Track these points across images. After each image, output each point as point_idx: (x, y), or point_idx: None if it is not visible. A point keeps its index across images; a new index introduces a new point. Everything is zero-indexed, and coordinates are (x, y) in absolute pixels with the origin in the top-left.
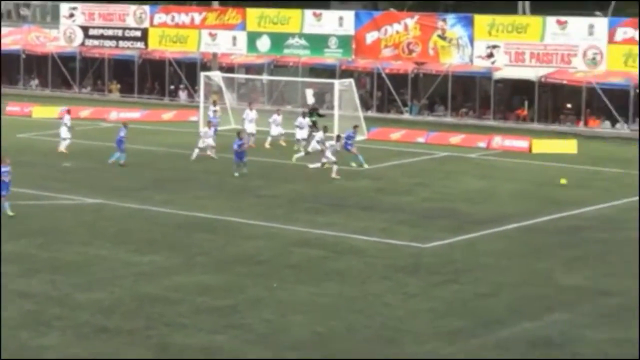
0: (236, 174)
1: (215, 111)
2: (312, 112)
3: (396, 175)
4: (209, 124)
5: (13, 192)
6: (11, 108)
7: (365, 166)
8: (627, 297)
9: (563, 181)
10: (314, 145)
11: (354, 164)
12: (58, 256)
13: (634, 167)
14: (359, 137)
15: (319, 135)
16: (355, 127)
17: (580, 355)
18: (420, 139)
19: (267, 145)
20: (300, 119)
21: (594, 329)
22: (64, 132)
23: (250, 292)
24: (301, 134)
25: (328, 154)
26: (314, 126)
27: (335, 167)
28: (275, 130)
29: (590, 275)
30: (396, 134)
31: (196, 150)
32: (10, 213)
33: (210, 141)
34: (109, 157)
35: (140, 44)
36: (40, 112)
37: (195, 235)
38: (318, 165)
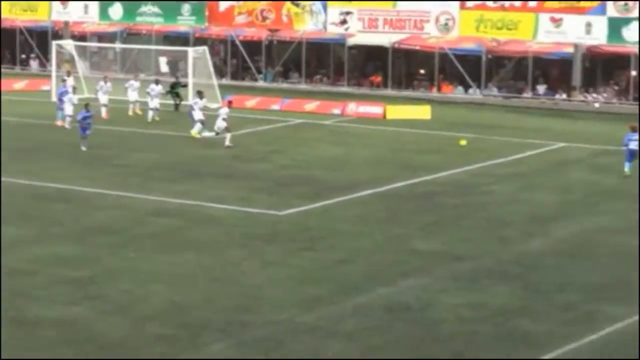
0: (83, 148)
1: (64, 80)
2: (175, 85)
3: (252, 143)
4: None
5: None
6: None
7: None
8: (481, 261)
9: (462, 142)
10: (219, 124)
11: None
12: None
13: (486, 132)
14: (213, 105)
15: (201, 103)
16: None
17: (437, 320)
18: (275, 106)
19: (130, 112)
20: (152, 86)
21: (450, 293)
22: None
23: (107, 263)
24: (153, 103)
25: (219, 122)
26: (177, 96)
27: (228, 135)
28: (132, 96)
29: (445, 241)
30: (251, 102)
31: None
32: None
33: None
34: None
35: None
36: None
37: (50, 206)
38: (212, 134)
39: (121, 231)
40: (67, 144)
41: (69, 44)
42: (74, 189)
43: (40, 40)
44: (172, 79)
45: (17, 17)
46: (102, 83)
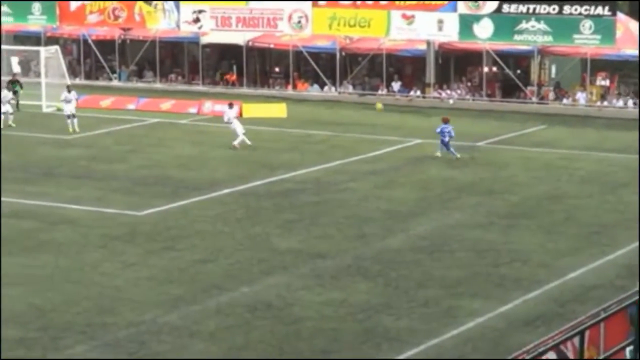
0: None
1: None
2: (14, 82)
3: (108, 143)
4: None
5: None
6: None
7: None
8: (341, 258)
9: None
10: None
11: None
12: None
13: (343, 129)
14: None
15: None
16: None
17: (300, 317)
18: (131, 106)
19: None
20: (65, 93)
21: (311, 291)
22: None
23: None
24: (69, 108)
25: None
26: (15, 95)
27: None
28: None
29: (304, 238)
30: (106, 101)
31: None
32: None
33: None
34: None
35: None
36: None
37: None
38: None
39: None
40: None
41: None
42: None
43: None
44: (24, 80)
45: None
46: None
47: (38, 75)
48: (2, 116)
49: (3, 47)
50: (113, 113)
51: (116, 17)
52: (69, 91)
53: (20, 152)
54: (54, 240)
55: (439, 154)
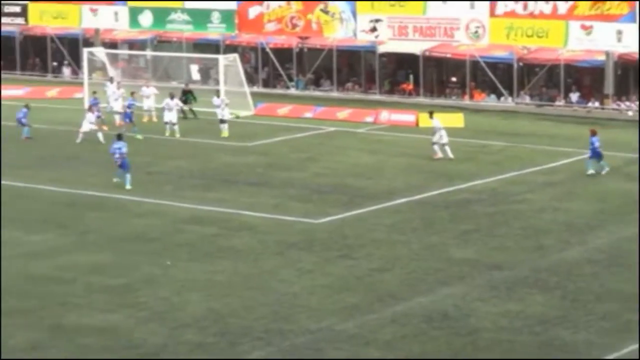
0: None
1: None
2: (188, 93)
3: (285, 151)
4: (90, 108)
5: None
6: None
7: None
8: (518, 270)
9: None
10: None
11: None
12: None
13: (519, 140)
14: (245, 113)
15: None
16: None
17: (476, 328)
18: (308, 114)
19: (144, 119)
20: (167, 100)
21: (487, 302)
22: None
23: (143, 270)
24: (169, 116)
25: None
26: (185, 104)
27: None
28: (147, 104)
29: (480, 249)
30: (283, 110)
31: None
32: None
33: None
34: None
35: (20, 20)
36: None
37: (85, 213)
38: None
39: (157, 239)
40: (100, 151)
41: (100, 51)
42: (109, 197)
43: (71, 47)
44: (203, 87)
45: (48, 24)
46: (144, 88)
47: (217, 83)
48: (167, 126)
49: (184, 54)
50: (290, 121)
51: (294, 26)
52: (171, 98)
53: (199, 159)
54: (232, 247)
55: (591, 171)
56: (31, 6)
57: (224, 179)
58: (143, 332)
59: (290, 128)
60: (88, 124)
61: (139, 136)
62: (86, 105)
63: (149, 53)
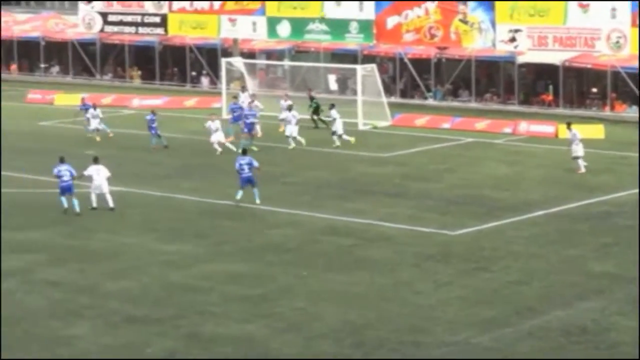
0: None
1: (235, 97)
2: (313, 99)
3: (422, 162)
4: (232, 112)
5: (36, 180)
6: (32, 95)
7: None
8: None
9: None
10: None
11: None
12: (86, 245)
13: None
14: (383, 123)
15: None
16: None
17: (615, 343)
18: (446, 125)
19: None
20: (286, 113)
21: (627, 316)
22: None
23: (280, 281)
24: (290, 129)
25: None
26: (316, 111)
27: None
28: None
29: (620, 262)
30: (421, 120)
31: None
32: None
33: (219, 136)
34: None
35: (159, 30)
36: (63, 99)
37: (222, 223)
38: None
39: (293, 249)
40: (233, 160)
41: (238, 61)
42: (245, 207)
43: (210, 57)
44: (341, 97)
45: (187, 34)
46: (282, 101)
47: (354, 93)
48: (289, 139)
49: (321, 65)
50: (428, 132)
51: (432, 36)
52: (289, 110)
53: (337, 169)
54: (369, 258)
55: None
56: (171, 17)
57: (360, 190)
58: (279, 342)
59: (427, 139)
60: (218, 133)
61: (254, 147)
62: (225, 111)
63: (286, 63)
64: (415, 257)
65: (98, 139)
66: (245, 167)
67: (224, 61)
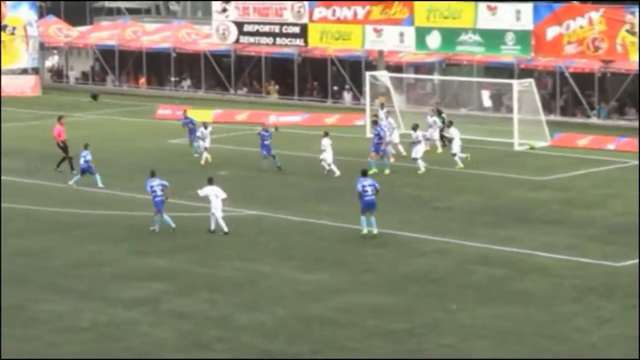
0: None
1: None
2: (440, 112)
3: (584, 186)
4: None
5: (167, 203)
6: (162, 111)
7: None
8: None
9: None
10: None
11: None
12: (216, 273)
13: None
14: (541, 144)
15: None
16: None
17: None
18: (610, 146)
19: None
20: (415, 134)
21: None
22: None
23: (426, 315)
24: (416, 151)
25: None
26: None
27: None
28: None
29: None
30: (583, 140)
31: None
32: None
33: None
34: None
35: (299, 41)
36: (195, 115)
37: (364, 250)
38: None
39: (442, 280)
40: (380, 183)
41: (383, 75)
42: (390, 233)
43: (352, 71)
44: (496, 114)
45: (328, 45)
46: (428, 118)
47: (510, 110)
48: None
49: (474, 79)
50: (590, 153)
51: (596, 48)
52: (414, 129)
53: (490, 194)
54: (524, 290)
55: None
56: (311, 26)
57: (515, 216)
58: None
59: (590, 161)
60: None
61: (387, 171)
62: (368, 130)
63: (436, 77)
64: (574, 290)
65: (210, 159)
66: (369, 189)
67: (368, 75)
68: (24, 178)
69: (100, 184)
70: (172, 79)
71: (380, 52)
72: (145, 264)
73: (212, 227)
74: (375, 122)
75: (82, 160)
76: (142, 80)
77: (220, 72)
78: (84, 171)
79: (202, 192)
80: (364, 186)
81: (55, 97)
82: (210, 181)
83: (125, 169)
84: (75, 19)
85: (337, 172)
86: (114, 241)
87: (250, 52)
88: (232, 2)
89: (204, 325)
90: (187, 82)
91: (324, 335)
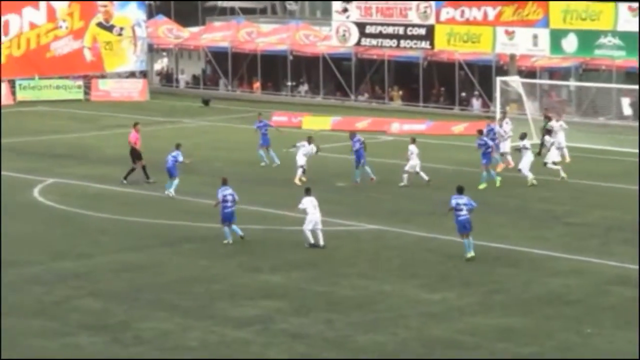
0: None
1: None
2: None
3: None
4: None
5: (278, 216)
6: (278, 118)
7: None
8: None
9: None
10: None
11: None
12: (334, 291)
13: None
14: None
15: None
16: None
17: None
18: None
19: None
20: (522, 143)
21: None
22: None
23: (558, 338)
24: (524, 162)
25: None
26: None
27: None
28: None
29: None
30: None
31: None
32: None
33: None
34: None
35: (425, 44)
36: (312, 122)
37: (494, 269)
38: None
39: (576, 301)
40: (513, 196)
41: (515, 81)
42: (521, 250)
43: (481, 76)
44: (637, 123)
45: (456, 49)
46: (553, 122)
47: None
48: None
49: (613, 85)
50: None
51: None
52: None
53: (632, 208)
54: None
55: None
56: (438, 28)
57: None
58: None
59: None
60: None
61: (497, 182)
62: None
63: (572, 83)
64: None
65: (304, 179)
66: (464, 208)
67: (499, 80)
68: (135, 189)
69: (172, 192)
70: (289, 83)
71: (512, 56)
72: (258, 280)
73: (311, 240)
74: (480, 132)
75: (170, 160)
76: (257, 84)
77: (340, 77)
78: (168, 171)
79: (301, 205)
80: (458, 204)
81: (164, 102)
82: (307, 192)
83: (234, 180)
84: (186, 19)
85: (426, 178)
86: (223, 256)
87: (372, 55)
88: (354, 2)
89: (320, 347)
90: (304, 87)
91: (448, 359)
